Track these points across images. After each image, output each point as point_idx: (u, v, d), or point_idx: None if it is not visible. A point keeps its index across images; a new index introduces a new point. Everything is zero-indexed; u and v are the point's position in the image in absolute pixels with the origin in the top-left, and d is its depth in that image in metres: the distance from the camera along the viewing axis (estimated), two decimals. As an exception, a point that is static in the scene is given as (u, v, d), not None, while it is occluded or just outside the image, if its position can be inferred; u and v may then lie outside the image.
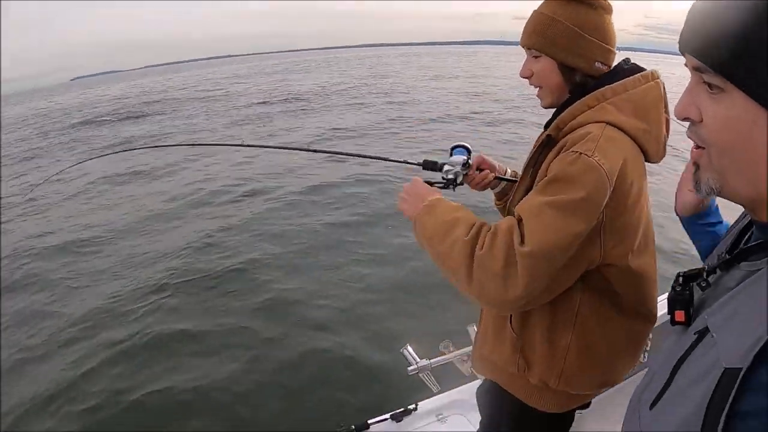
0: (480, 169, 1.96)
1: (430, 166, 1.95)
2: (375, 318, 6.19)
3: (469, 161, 1.93)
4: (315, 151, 2.45)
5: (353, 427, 2.79)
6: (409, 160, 2.10)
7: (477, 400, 2.20)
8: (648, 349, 1.91)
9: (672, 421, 0.75)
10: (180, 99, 34.13)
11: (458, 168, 1.87)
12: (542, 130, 1.66)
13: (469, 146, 1.96)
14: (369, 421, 2.83)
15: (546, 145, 1.55)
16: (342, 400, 4.77)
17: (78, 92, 70.74)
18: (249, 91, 33.79)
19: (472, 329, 2.87)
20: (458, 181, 1.88)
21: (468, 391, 3.08)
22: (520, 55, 1.68)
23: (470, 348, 2.86)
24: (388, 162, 2.28)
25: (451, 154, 1.96)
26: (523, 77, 1.67)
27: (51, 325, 6.65)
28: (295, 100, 27.25)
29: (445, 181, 1.86)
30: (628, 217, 1.49)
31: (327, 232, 8.80)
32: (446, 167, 1.89)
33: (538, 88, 1.67)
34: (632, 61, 1.62)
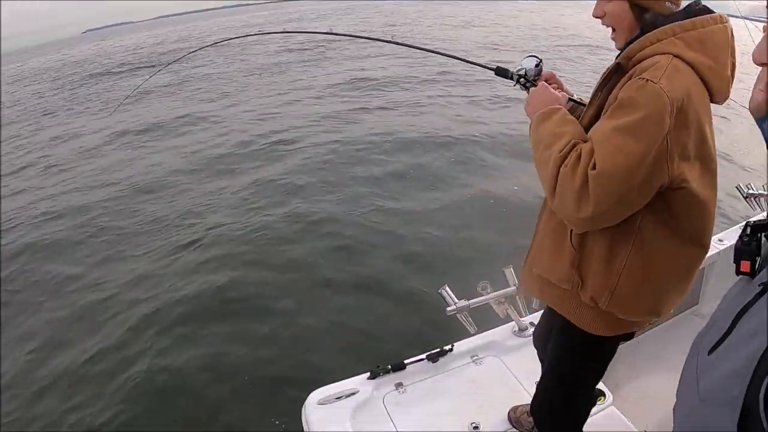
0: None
1: (502, 72, 2.03)
2: (412, 259, 6.25)
3: (542, 66, 1.97)
4: (402, 44, 2.48)
5: (390, 367, 2.84)
6: (484, 64, 2.16)
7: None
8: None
9: (725, 368, 0.77)
10: (194, 48, 33.84)
11: (531, 66, 1.94)
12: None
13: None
14: (406, 362, 2.88)
15: (615, 73, 1.61)
16: (379, 341, 4.86)
17: (91, 44, 70.36)
18: (265, 39, 33.26)
19: (509, 271, 2.88)
20: (529, 78, 1.94)
21: (503, 333, 3.12)
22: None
23: (507, 290, 2.88)
24: (465, 64, 2.29)
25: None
26: (596, 17, 1.73)
27: (85, 287, 6.69)
28: (313, 49, 26.83)
29: (516, 77, 1.95)
30: (693, 146, 1.54)
31: (368, 177, 8.86)
32: (518, 66, 1.96)
33: (611, 31, 1.73)
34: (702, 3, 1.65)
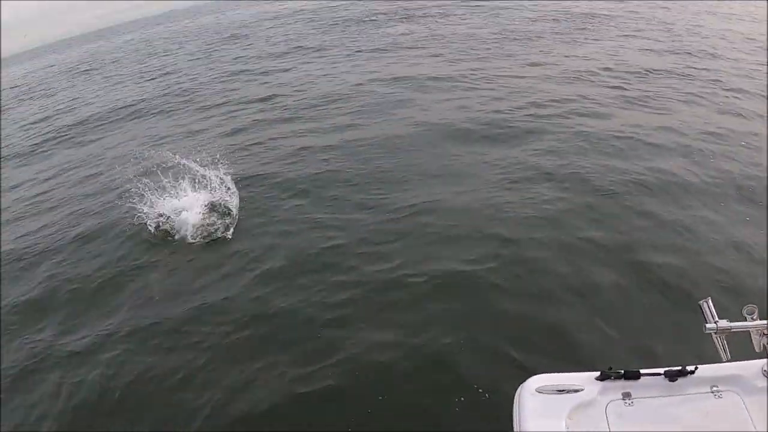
0: None
1: None
2: (672, 261, 6.00)
3: None
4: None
5: (623, 372, 2.76)
6: None
7: None
8: None
9: None
10: (450, 6, 34.29)
11: None
12: None
13: None
14: (641, 371, 2.78)
15: None
16: (617, 338, 4.71)
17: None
18: (520, 5, 32.76)
19: (782, 302, 2.66)
20: None
21: (751, 369, 2.87)
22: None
23: (774, 321, 2.65)
24: None
25: None
26: None
27: (315, 227, 7.29)
28: (570, 20, 25.64)
29: None
30: None
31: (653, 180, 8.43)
32: None
33: None
34: None
